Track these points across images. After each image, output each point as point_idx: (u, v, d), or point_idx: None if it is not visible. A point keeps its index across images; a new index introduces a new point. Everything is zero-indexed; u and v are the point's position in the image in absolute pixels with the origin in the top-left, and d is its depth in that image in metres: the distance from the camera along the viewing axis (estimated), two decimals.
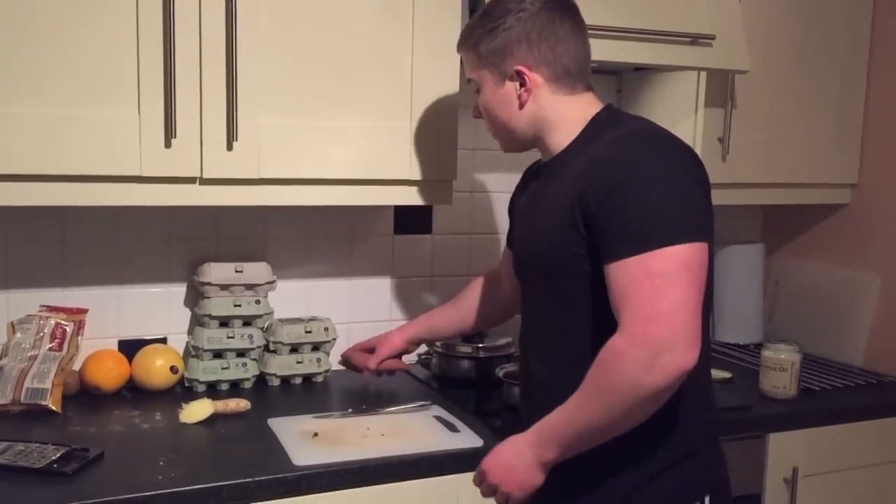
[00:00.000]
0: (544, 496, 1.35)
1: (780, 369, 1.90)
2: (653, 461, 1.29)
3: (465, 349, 1.97)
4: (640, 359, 1.15)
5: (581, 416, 1.23)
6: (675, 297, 1.15)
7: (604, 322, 1.23)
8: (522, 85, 1.37)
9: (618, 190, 1.21)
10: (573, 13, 1.39)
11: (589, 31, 1.43)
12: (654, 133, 1.31)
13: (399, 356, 1.83)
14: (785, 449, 1.85)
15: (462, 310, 1.80)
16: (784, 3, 2.08)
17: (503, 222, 2.21)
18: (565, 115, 1.38)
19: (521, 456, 1.29)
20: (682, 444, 1.31)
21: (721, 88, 2.00)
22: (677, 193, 1.21)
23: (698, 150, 2.00)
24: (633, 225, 1.19)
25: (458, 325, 1.81)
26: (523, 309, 1.49)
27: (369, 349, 1.83)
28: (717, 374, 2.07)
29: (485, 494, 1.37)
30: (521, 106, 1.38)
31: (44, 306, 1.78)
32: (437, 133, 1.74)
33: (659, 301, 1.15)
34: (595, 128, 1.35)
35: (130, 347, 1.85)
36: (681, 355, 1.14)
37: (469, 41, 1.41)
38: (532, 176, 1.52)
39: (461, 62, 1.73)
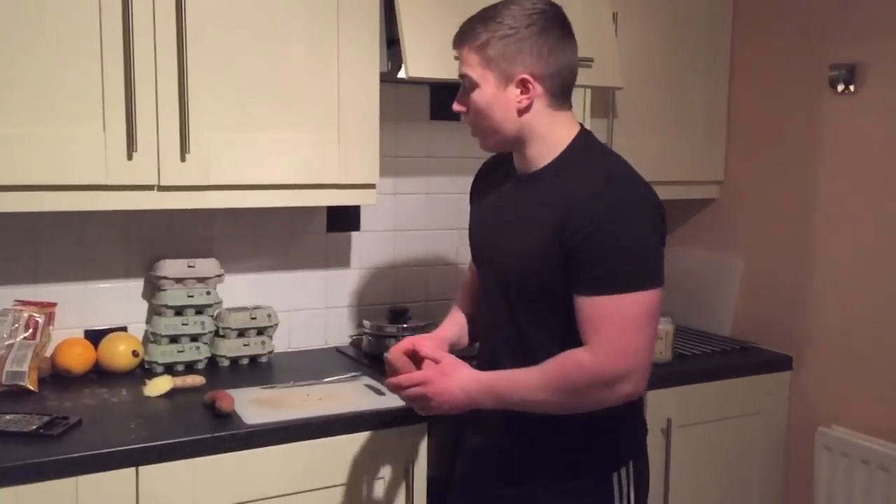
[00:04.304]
0: (488, 453, 1.57)
1: (657, 338, 2.24)
2: (581, 433, 1.49)
3: (391, 329, 2.23)
4: (603, 380, 1.38)
5: (531, 395, 1.42)
6: (640, 338, 1.39)
7: (566, 335, 1.43)
8: (524, 93, 1.41)
9: (598, 234, 1.36)
10: (570, 28, 1.45)
11: None
12: (629, 182, 1.44)
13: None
14: (660, 404, 2.18)
15: (465, 322, 1.75)
16: (655, 27, 2.41)
17: (422, 220, 2.50)
18: (552, 130, 1.45)
19: (464, 391, 1.46)
20: (607, 421, 1.48)
21: (604, 102, 2.33)
22: (644, 243, 1.40)
23: None
24: (608, 268, 1.36)
25: (466, 336, 1.74)
26: (485, 301, 1.59)
27: (411, 351, 1.60)
28: None
29: (408, 397, 1.51)
30: (520, 113, 1.43)
31: (18, 301, 1.99)
32: (361, 143, 2.01)
33: (628, 340, 1.37)
34: (573, 154, 1.46)
35: (95, 335, 2.07)
36: (634, 386, 1.40)
37: (475, 42, 1.41)
38: (502, 176, 1.56)
39: (380, 81, 2.03)
